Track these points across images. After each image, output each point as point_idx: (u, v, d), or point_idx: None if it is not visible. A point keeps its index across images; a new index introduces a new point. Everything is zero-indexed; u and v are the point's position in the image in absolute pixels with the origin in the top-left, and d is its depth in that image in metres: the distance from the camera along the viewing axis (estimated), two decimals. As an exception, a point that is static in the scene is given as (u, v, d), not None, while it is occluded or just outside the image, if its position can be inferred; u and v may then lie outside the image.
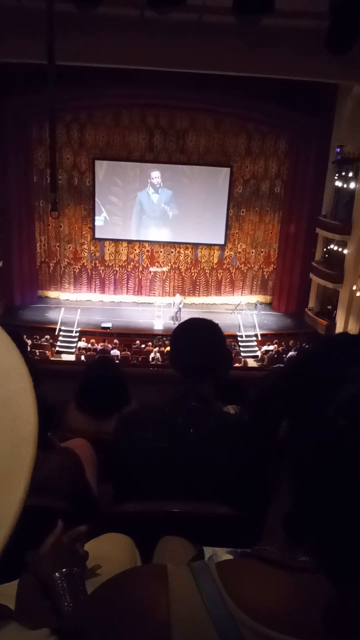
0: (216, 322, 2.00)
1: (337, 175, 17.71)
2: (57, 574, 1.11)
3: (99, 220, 19.93)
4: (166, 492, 1.69)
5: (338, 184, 17.67)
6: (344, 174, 17.37)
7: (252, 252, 20.93)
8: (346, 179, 17.24)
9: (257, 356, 17.31)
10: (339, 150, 17.40)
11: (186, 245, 20.64)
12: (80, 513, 1.63)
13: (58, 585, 1.10)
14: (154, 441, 1.77)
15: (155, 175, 19.51)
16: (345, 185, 17.36)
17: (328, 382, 0.71)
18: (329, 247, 18.56)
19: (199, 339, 1.89)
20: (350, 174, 17.05)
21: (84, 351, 16.37)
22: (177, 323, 17.38)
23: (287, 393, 0.77)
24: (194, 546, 1.50)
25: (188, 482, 1.71)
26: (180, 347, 1.94)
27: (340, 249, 17.84)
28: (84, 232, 20.26)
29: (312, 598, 0.68)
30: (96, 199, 19.64)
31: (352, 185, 17.03)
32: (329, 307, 18.85)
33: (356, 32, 9.49)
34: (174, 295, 19.93)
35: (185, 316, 17.95)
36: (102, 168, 19.41)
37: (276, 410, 0.78)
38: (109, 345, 16.64)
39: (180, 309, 18.54)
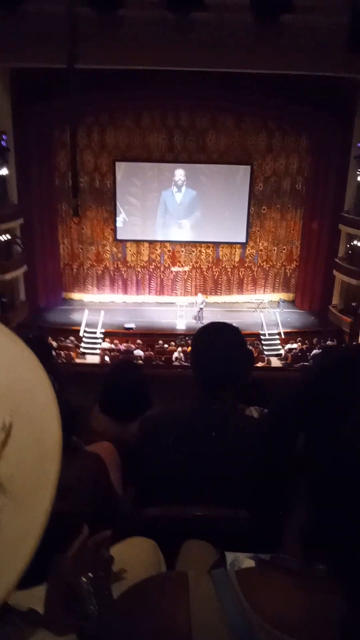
0: (238, 321, 1.94)
1: (359, 170, 17.48)
2: (83, 578, 1.14)
3: (118, 222, 20.05)
4: (187, 496, 1.71)
5: (360, 179, 17.44)
6: (366, 169, 17.13)
7: (274, 250, 20.80)
8: (369, 174, 17.00)
9: (280, 354, 17.19)
10: (360, 145, 17.18)
11: (207, 244, 20.62)
12: (104, 517, 1.66)
13: (84, 589, 1.12)
14: (175, 446, 1.78)
15: (179, 173, 19.53)
16: (368, 181, 17.13)
17: (342, 400, 0.70)
18: (352, 243, 18.31)
19: (219, 350, 1.84)
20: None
21: (107, 352, 16.46)
22: (199, 322, 17.38)
23: (304, 407, 0.77)
24: (216, 550, 1.52)
25: (208, 487, 1.72)
26: (200, 360, 1.89)
27: (364, 245, 17.61)
28: (106, 234, 20.39)
29: (328, 607, 0.69)
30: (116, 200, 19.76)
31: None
32: (354, 304, 18.59)
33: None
34: (195, 294, 19.90)
35: (207, 315, 17.95)
36: (120, 169, 19.50)
37: (294, 423, 0.78)
38: (132, 346, 16.70)
39: (202, 308, 18.54)
